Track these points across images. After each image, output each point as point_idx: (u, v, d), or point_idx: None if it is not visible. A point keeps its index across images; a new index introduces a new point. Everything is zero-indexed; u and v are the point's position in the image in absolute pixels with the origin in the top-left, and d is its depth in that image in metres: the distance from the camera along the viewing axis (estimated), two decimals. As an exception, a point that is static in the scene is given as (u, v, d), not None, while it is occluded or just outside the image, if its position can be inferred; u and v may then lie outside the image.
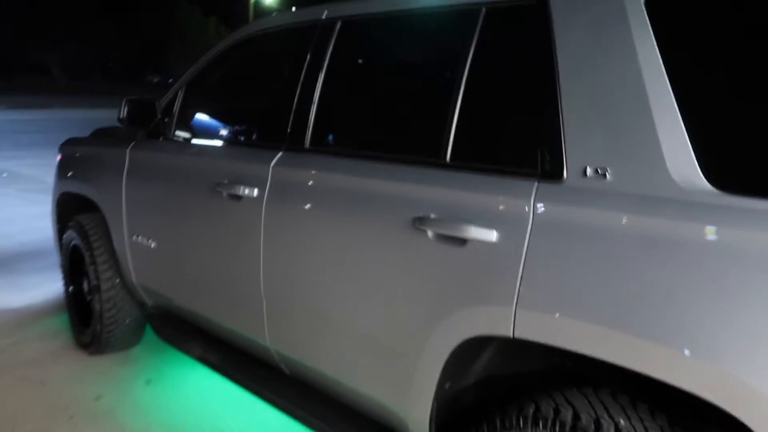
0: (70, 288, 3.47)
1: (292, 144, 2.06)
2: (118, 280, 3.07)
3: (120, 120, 2.60)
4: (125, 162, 2.84)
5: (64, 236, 3.39)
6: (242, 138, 2.51)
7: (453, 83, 1.63)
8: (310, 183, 1.93)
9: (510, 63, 1.60)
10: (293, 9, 2.48)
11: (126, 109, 2.55)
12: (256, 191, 2.09)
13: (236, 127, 2.56)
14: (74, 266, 3.45)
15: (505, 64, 1.60)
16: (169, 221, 2.56)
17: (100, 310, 3.05)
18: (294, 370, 2.17)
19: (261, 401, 2.40)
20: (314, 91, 2.01)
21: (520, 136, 1.55)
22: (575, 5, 1.44)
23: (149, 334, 3.37)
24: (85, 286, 3.36)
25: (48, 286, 4.43)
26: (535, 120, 1.47)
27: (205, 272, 2.39)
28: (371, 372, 1.80)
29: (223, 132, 2.60)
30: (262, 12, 38.18)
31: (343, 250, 1.81)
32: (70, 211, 3.50)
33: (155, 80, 49.87)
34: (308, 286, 1.94)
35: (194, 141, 2.56)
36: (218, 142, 2.53)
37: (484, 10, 1.62)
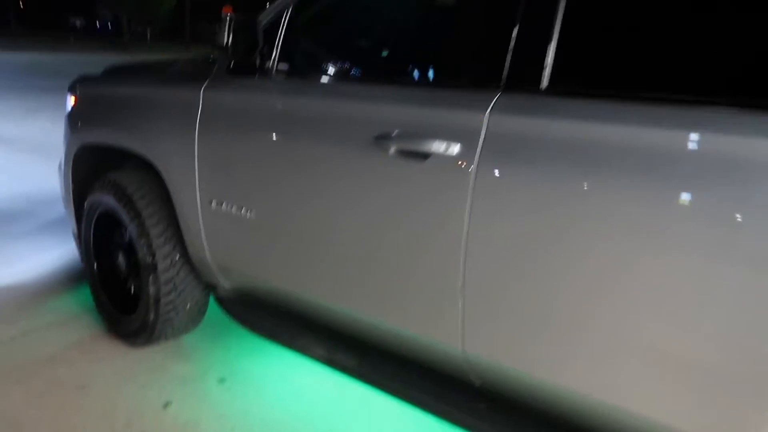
0: (95, 265, 2.78)
1: (518, 83, 1.50)
2: (178, 257, 2.42)
3: (223, 46, 1.92)
4: (198, 106, 2.17)
5: (88, 201, 2.67)
6: (415, 75, 1.89)
7: None
8: (573, 138, 1.38)
9: None
10: None
11: (231, 32, 1.86)
12: (457, 147, 1.53)
13: (397, 61, 1.94)
14: (100, 238, 2.75)
15: None
16: (284, 185, 1.94)
17: (156, 294, 2.41)
18: (497, 383, 1.67)
19: (381, 405, 1.91)
20: (555, 9, 1.45)
21: None
22: None
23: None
24: (121, 262, 2.69)
25: (38, 256, 3.66)
26: None
27: (352, 254, 1.82)
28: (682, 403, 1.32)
29: (370, 67, 1.97)
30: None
31: (648, 237, 1.28)
32: (90, 169, 2.78)
33: (78, 24, 45.76)
34: (562, 283, 1.42)
35: (317, 79, 1.93)
36: (365, 81, 1.91)
37: None
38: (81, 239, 2.82)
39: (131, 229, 2.43)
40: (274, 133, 1.95)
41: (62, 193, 2.98)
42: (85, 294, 3.14)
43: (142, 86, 2.46)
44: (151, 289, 2.41)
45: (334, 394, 2.38)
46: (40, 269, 3.47)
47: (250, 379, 2.46)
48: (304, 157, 1.87)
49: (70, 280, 3.34)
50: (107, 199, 2.54)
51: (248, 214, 2.06)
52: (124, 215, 2.45)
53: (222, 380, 2.46)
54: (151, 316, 2.45)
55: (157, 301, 2.42)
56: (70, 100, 2.84)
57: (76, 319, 2.91)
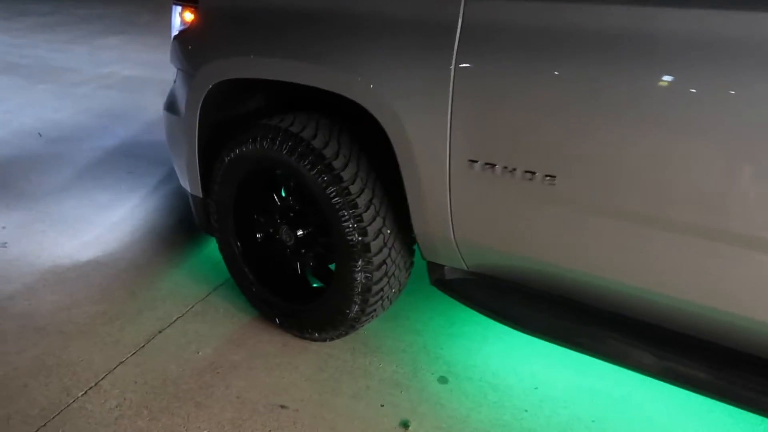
0: (239, 244, 2.14)
1: None
2: (389, 233, 1.83)
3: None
4: (456, 25, 1.50)
5: (231, 156, 1.99)
6: None
7: None
8: None
9: None
10: None
11: None
12: None
13: None
14: (241, 206, 2.11)
15: None
16: (628, 139, 1.35)
17: (366, 281, 1.83)
18: None
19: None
20: None
21: None
22: None
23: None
24: (285, 237, 2.06)
25: (102, 218, 2.97)
26: None
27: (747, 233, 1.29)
28: None
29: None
30: None
31: None
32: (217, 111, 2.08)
33: None
34: None
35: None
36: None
37: None
38: (212, 204, 2.16)
39: (324, 199, 1.79)
40: (611, 62, 1.33)
41: (172, 142, 2.26)
42: (199, 269, 2.53)
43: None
44: (359, 276, 1.82)
45: (581, 385, 1.93)
46: (117, 237, 2.79)
47: (474, 376, 1.96)
48: (671, 96, 1.27)
49: (166, 249, 2.69)
50: (273, 156, 1.87)
51: (546, 180, 1.47)
52: (309, 179, 1.80)
53: (443, 380, 1.95)
54: (354, 308, 1.88)
55: (367, 290, 1.84)
56: (182, 15, 2.06)
57: (206, 304, 2.30)
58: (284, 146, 1.83)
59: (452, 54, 1.51)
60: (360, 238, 1.78)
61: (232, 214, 2.12)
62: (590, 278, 1.55)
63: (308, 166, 1.80)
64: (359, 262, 1.80)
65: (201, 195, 2.21)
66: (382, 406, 1.84)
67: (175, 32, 2.13)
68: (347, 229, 1.78)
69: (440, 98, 1.55)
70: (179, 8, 2.08)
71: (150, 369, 1.95)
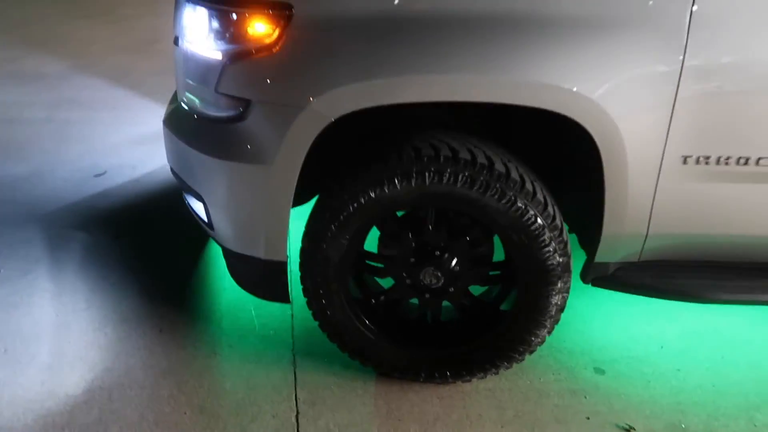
0: (362, 315, 1.74)
1: None
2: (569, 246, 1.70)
3: None
4: (686, 16, 1.40)
5: (362, 200, 1.56)
6: None
7: None
8: None
9: None
10: None
11: None
12: None
13: None
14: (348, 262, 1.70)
15: None
16: None
17: (563, 302, 1.68)
18: None
19: None
20: None
21: None
22: None
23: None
24: (430, 279, 1.72)
25: (24, 328, 2.05)
26: None
27: None
28: None
29: None
30: None
31: None
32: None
33: None
34: None
35: None
36: None
37: None
38: (308, 266, 1.68)
39: (519, 227, 1.56)
40: None
41: (236, 198, 1.64)
42: (246, 347, 2.00)
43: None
44: (555, 299, 1.66)
45: (683, 330, 2.13)
46: (88, 343, 1.97)
47: (615, 356, 2.00)
48: None
49: (177, 340, 2.00)
50: (440, 192, 1.53)
51: (761, 161, 1.55)
52: (497, 209, 1.54)
53: (600, 371, 1.95)
54: (543, 332, 1.73)
55: (561, 309, 1.70)
56: (243, 26, 1.46)
57: (309, 387, 1.82)
58: (459, 178, 1.53)
59: (681, 49, 1.45)
60: (560, 260, 1.63)
61: (340, 275, 1.70)
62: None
63: (496, 196, 1.54)
64: (558, 285, 1.65)
65: (285, 258, 1.70)
66: (588, 418, 1.78)
67: (225, 49, 1.52)
68: (547, 254, 1.61)
69: (664, 97, 1.48)
70: (233, 15, 1.48)
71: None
